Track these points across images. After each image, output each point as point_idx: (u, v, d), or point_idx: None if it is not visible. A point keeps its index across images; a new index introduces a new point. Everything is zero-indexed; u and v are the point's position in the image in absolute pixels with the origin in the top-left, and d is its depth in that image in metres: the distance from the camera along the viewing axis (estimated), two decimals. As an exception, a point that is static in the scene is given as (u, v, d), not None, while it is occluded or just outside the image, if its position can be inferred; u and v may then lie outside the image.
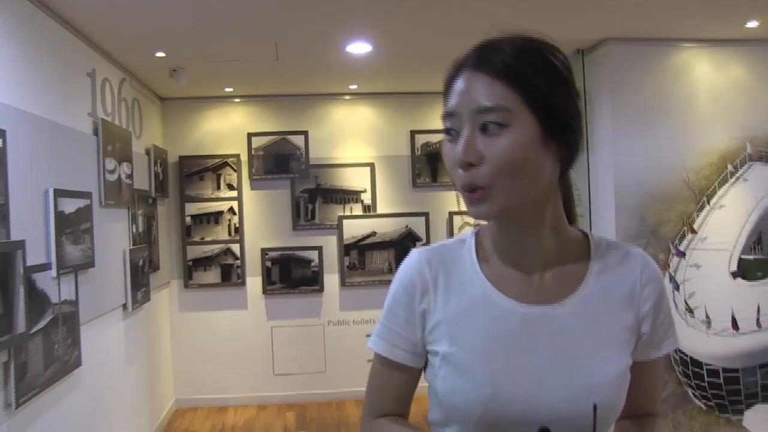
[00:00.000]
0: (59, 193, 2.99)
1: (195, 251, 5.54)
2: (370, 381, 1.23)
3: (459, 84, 1.03)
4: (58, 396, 3.02)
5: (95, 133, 3.67)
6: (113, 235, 3.94)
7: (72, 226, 3.13)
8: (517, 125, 0.98)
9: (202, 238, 5.55)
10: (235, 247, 5.58)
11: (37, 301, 2.72)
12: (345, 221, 5.64)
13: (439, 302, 1.12)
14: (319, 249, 5.65)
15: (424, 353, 1.15)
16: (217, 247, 5.57)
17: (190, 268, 5.55)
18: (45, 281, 2.82)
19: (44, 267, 2.83)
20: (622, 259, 1.12)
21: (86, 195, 3.37)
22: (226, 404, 5.62)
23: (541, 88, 0.99)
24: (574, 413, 1.01)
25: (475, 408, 1.04)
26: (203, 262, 5.56)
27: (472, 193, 1.01)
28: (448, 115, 1.04)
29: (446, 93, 1.06)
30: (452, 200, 5.66)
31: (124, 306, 4.13)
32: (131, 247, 4.25)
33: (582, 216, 4.19)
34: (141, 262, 4.41)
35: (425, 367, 1.17)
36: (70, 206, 3.11)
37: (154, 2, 3.12)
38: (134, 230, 4.38)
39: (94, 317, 3.51)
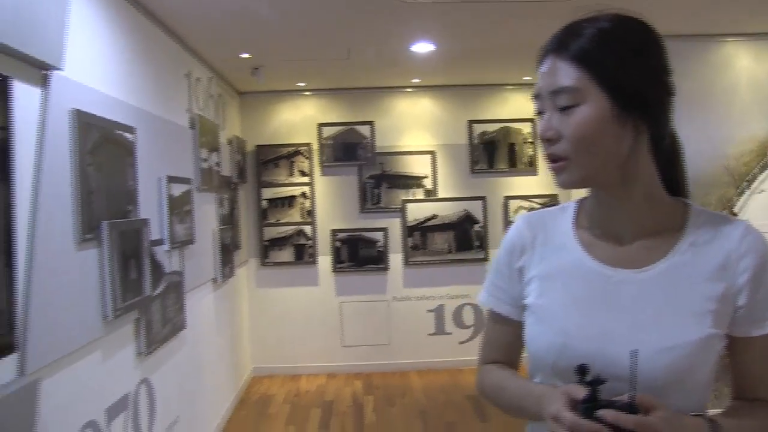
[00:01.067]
0: (170, 179, 3.50)
1: (271, 232, 6.07)
2: (484, 332, 1.38)
3: (542, 68, 1.12)
4: (171, 351, 3.56)
5: (192, 126, 4.19)
6: (206, 216, 4.47)
7: (178, 208, 3.65)
8: (588, 104, 1.05)
9: (277, 220, 6.07)
10: (307, 229, 6.08)
11: (157, 270, 3.24)
12: (408, 205, 6.07)
13: (535, 259, 1.24)
14: (384, 230, 6.10)
15: (523, 307, 1.25)
16: (290, 229, 6.08)
17: (267, 248, 6.07)
18: (161, 254, 3.34)
19: (160, 242, 3.35)
20: (721, 229, 1.12)
21: (188, 181, 3.89)
22: (298, 372, 6.14)
23: (611, 67, 1.05)
24: (639, 375, 0.98)
25: (549, 356, 1.14)
26: (278, 242, 6.08)
27: (554, 163, 1.11)
28: (535, 97, 1.13)
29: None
30: (507, 185, 6.05)
31: (214, 279, 4.66)
32: (219, 227, 4.78)
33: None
34: (227, 241, 4.94)
35: None
36: (176, 191, 3.63)
37: (242, 13, 3.58)
38: (221, 212, 4.91)
39: (194, 287, 4.04)
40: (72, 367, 2.37)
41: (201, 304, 4.32)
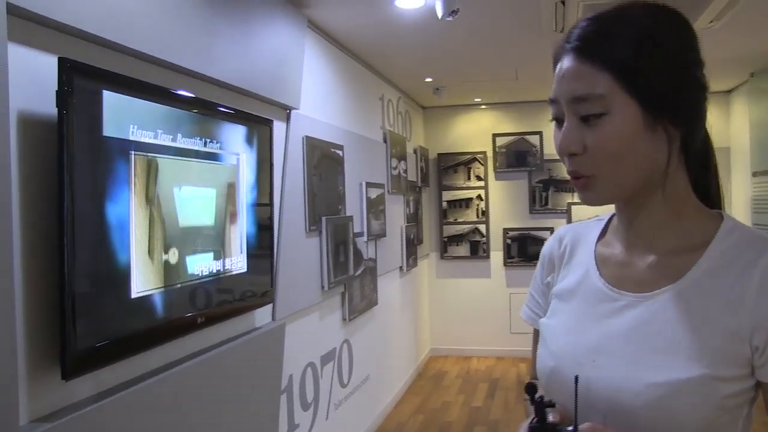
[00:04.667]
0: (368, 185, 4.43)
1: (449, 230, 6.91)
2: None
3: (558, 69, 0.97)
4: (366, 322, 4.49)
5: (384, 140, 5.11)
6: (395, 214, 5.37)
7: (374, 208, 4.57)
8: (616, 112, 0.91)
9: (455, 219, 6.89)
10: (482, 227, 6.84)
11: (358, 256, 4.17)
12: (573, 207, 6.64)
13: (559, 276, 1.14)
14: (551, 229, 6.67)
15: None
16: (467, 227, 6.87)
17: (446, 243, 6.92)
18: (361, 244, 4.27)
19: (360, 234, 4.27)
20: (748, 252, 0.93)
21: (381, 185, 4.80)
22: (470, 354, 6.91)
23: (637, 67, 0.90)
24: (619, 408, 0.92)
25: (543, 378, 1.05)
26: (456, 239, 6.90)
27: (578, 179, 0.96)
28: (551, 102, 0.98)
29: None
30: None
31: (401, 268, 5.56)
32: (405, 224, 5.67)
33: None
34: (411, 236, 5.83)
35: None
36: (372, 194, 4.55)
37: (425, 45, 4.41)
38: (407, 212, 5.80)
39: (384, 273, 4.95)
40: (301, 321, 3.32)
41: (389, 288, 5.23)
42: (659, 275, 0.98)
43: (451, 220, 6.90)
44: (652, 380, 0.90)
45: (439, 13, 3.23)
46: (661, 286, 0.97)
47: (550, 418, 0.92)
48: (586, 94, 0.92)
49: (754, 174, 5.44)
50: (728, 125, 6.28)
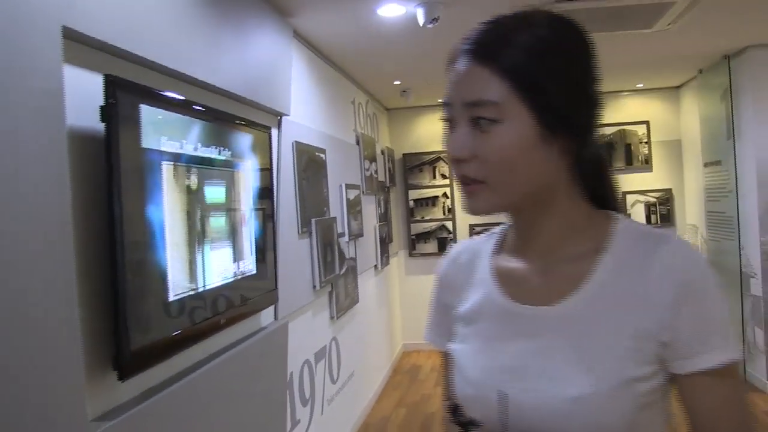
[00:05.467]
0: (347, 186, 4.55)
1: (417, 227, 7.08)
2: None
3: (453, 72, 0.95)
4: (349, 319, 4.62)
5: (357, 142, 5.24)
6: (369, 215, 5.50)
7: (353, 208, 4.70)
8: (510, 120, 0.88)
9: (422, 217, 7.06)
10: (449, 224, 7.03)
11: (341, 255, 4.29)
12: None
13: (461, 298, 1.09)
14: (515, 224, 6.93)
15: None
16: (434, 224, 7.06)
17: (414, 241, 7.08)
18: (343, 244, 4.39)
19: (342, 234, 4.39)
20: (645, 249, 0.93)
21: (357, 187, 4.93)
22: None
23: (543, 84, 0.89)
24: (542, 425, 0.90)
25: (464, 404, 1.00)
26: (423, 236, 7.07)
27: (467, 186, 0.93)
28: (444, 104, 0.96)
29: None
30: (625, 181, 6.61)
31: (376, 266, 5.70)
32: (378, 224, 5.81)
33: (730, 192, 5.17)
34: (384, 235, 5.98)
35: None
36: (351, 195, 4.67)
37: (400, 51, 4.55)
38: (379, 212, 5.94)
39: (362, 271, 5.08)
40: (298, 320, 3.44)
41: (367, 286, 5.36)
42: (561, 284, 0.96)
43: (418, 218, 7.07)
44: (571, 394, 0.88)
45: (421, 21, 3.39)
46: (565, 296, 0.94)
47: None
48: (481, 99, 0.89)
49: (705, 165, 5.77)
50: (679, 119, 6.62)
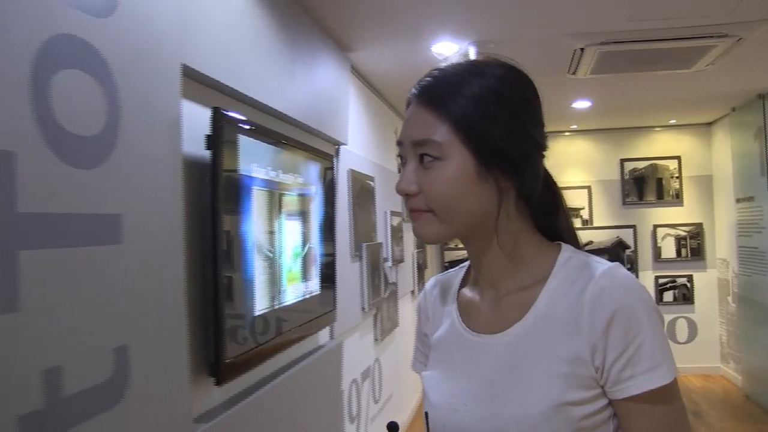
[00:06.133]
0: (391, 213, 4.72)
1: (450, 255, 7.21)
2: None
3: (407, 113, 1.03)
4: (390, 341, 4.76)
5: (399, 171, 5.39)
6: (408, 241, 5.66)
7: (395, 235, 4.86)
8: (451, 159, 0.96)
9: (456, 245, 7.19)
10: (481, 252, 7.14)
11: (386, 279, 4.44)
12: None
13: (433, 328, 1.18)
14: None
15: None
16: (466, 252, 7.16)
17: (446, 268, 7.12)
18: (387, 268, 4.54)
19: (386, 260, 4.55)
20: (581, 277, 0.98)
21: (399, 214, 5.10)
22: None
23: (475, 123, 0.95)
24: None
25: (429, 427, 1.08)
26: (456, 264, 7.15)
27: (415, 212, 1.01)
28: (398, 143, 1.03)
29: None
30: (655, 215, 6.79)
31: (412, 291, 5.84)
32: (416, 250, 5.96)
33: (764, 228, 5.26)
34: (420, 262, 6.12)
35: None
36: (394, 221, 4.84)
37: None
38: (416, 239, 6.09)
39: (402, 296, 5.23)
40: (348, 340, 3.58)
41: (405, 310, 5.50)
42: (508, 314, 1.03)
43: (451, 245, 7.20)
44: (513, 416, 0.94)
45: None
46: (511, 324, 1.01)
47: None
48: (425, 139, 0.97)
49: (738, 200, 5.87)
50: (710, 155, 6.74)
